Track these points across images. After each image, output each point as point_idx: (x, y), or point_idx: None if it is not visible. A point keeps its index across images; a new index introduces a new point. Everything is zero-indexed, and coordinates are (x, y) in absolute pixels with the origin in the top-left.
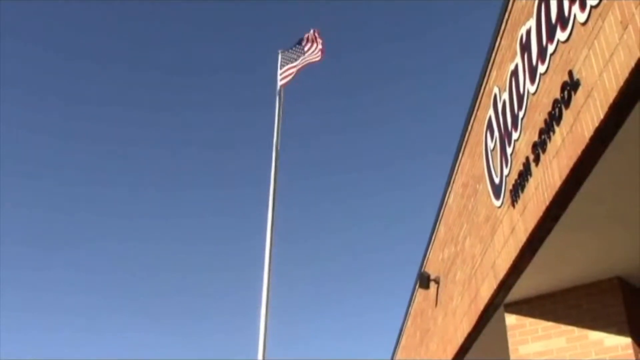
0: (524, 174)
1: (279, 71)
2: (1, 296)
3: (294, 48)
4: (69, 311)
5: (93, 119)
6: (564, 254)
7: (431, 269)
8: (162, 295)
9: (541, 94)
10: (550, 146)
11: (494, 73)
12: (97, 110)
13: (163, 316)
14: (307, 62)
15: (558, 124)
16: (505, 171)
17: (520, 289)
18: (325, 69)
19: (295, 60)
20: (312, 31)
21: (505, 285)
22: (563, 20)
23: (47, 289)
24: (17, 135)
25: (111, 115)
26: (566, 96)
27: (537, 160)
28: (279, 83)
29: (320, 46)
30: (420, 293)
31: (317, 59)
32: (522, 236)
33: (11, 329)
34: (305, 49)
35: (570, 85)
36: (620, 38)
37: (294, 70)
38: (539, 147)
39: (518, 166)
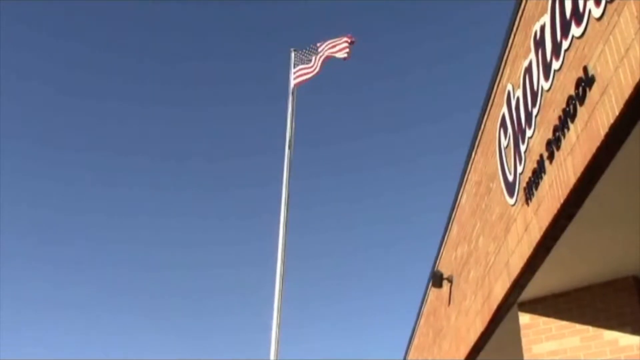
0: (538, 172)
1: (292, 70)
2: (1, 296)
3: (308, 48)
4: (74, 310)
5: (95, 117)
6: (578, 253)
7: (444, 268)
8: (172, 296)
9: (555, 91)
10: (564, 143)
11: (507, 70)
12: (98, 108)
13: (173, 317)
14: (329, 55)
15: (572, 120)
16: (519, 169)
17: (534, 288)
18: (337, 67)
19: (309, 61)
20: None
21: (519, 284)
22: (578, 16)
23: (50, 289)
24: (16, 135)
25: (113, 113)
26: (581, 92)
27: (551, 157)
28: (292, 82)
29: (344, 45)
30: (433, 292)
31: (343, 55)
32: (536, 234)
33: (11, 329)
34: (320, 49)
35: (585, 82)
36: (636, 33)
37: (311, 69)
38: (553, 144)
39: (532, 164)
